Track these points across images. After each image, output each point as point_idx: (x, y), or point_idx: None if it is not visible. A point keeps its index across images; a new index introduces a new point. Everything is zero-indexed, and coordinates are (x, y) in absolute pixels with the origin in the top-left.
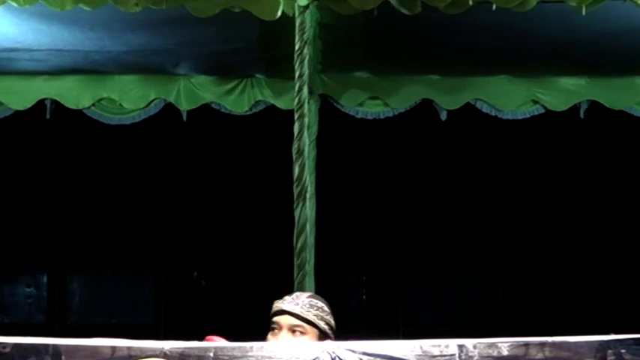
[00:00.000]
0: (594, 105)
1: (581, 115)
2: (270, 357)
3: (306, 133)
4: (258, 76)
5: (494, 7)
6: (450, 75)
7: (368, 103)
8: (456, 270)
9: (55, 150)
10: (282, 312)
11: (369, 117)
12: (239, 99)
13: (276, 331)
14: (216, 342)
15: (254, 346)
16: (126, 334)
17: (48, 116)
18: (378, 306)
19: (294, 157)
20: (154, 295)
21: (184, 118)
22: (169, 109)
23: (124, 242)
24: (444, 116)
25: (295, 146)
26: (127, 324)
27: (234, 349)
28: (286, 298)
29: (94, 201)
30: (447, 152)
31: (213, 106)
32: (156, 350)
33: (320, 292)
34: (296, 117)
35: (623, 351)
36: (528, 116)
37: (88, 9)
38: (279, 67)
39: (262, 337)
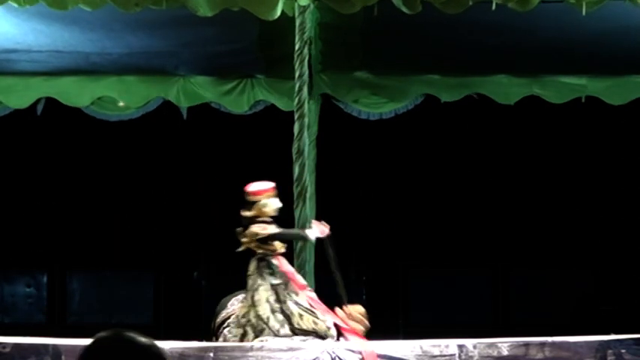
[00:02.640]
0: (595, 104)
1: (583, 99)
2: (269, 357)
3: (306, 133)
4: (258, 76)
5: (494, 6)
6: (450, 74)
7: (368, 103)
8: (455, 270)
9: (55, 150)
10: None
11: (372, 118)
12: (239, 99)
13: None
14: (216, 342)
15: (254, 346)
16: None
17: (39, 113)
18: (378, 306)
19: (294, 157)
20: (154, 295)
21: (184, 116)
22: (170, 109)
23: (124, 242)
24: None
25: (295, 146)
26: (127, 324)
27: (234, 349)
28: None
29: (94, 201)
30: (447, 152)
31: (212, 105)
32: None
33: (320, 292)
34: (296, 117)
35: (623, 351)
36: (525, 99)
37: (88, 9)
38: (279, 67)
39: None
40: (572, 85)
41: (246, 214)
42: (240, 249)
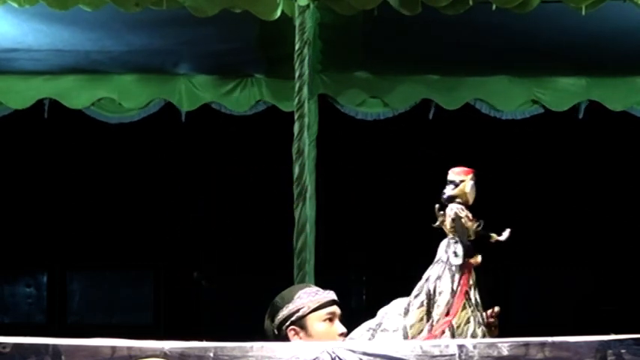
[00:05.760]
0: (594, 104)
1: (580, 115)
2: (270, 357)
3: (306, 133)
4: (258, 76)
5: (494, 7)
6: (450, 75)
7: (368, 103)
8: None
9: (55, 150)
10: (333, 302)
11: (369, 118)
12: (239, 99)
13: (334, 320)
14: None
15: (254, 346)
16: (126, 334)
17: (46, 115)
18: (378, 306)
19: (294, 157)
20: (153, 295)
21: (183, 118)
22: (169, 109)
23: (124, 242)
24: (431, 115)
25: (295, 146)
26: (127, 324)
27: (234, 349)
28: (319, 289)
29: (94, 201)
30: (446, 152)
31: (213, 106)
32: (156, 350)
33: None
34: (296, 117)
35: (623, 351)
36: (528, 116)
37: (88, 9)
38: (279, 67)
39: (262, 337)
40: (573, 87)
41: (449, 193)
42: (436, 225)
